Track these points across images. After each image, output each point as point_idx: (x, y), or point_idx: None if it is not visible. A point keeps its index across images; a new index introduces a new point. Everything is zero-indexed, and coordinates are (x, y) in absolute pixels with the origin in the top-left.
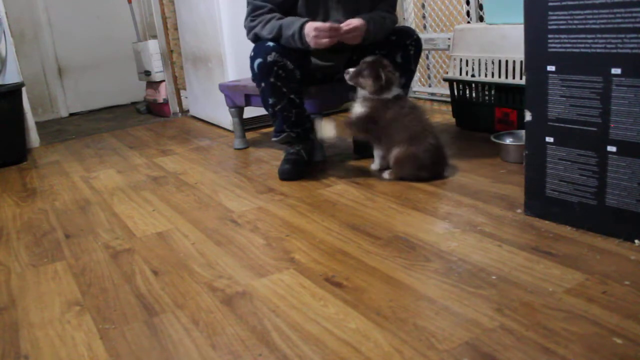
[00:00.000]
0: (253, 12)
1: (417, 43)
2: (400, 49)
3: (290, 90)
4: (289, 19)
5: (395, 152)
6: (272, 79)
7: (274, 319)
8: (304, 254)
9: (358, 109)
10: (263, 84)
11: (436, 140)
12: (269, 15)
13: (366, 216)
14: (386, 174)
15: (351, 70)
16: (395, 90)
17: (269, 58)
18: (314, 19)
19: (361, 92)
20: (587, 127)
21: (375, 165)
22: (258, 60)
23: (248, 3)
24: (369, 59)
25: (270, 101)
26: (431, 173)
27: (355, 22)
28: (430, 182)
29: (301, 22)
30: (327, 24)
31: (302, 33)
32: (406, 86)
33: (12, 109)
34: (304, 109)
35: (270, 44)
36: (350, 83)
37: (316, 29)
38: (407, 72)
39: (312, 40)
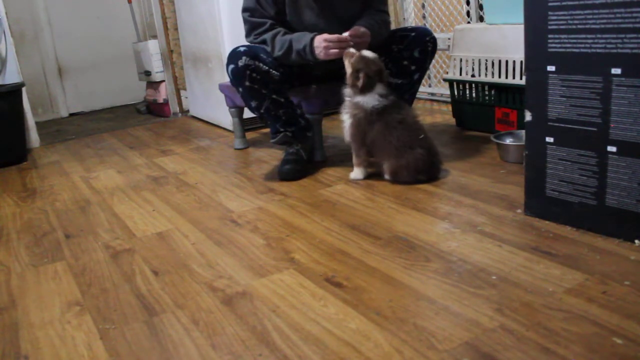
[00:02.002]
0: (254, 30)
1: (434, 42)
2: (419, 45)
3: (271, 91)
4: (298, 33)
5: (386, 165)
6: (247, 83)
7: (274, 319)
8: (304, 254)
9: (346, 119)
10: (240, 89)
11: (427, 149)
12: (273, 32)
13: (366, 216)
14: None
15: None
16: (381, 100)
17: (240, 63)
18: (304, 26)
19: (346, 92)
20: (587, 127)
21: None
22: (231, 67)
23: (245, 21)
24: (358, 53)
25: (253, 104)
26: (428, 176)
27: (361, 28)
28: (430, 182)
29: (311, 35)
30: (335, 35)
31: (313, 45)
32: (418, 82)
33: (12, 109)
34: (292, 107)
35: (241, 49)
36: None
37: (325, 39)
38: (421, 69)
39: (322, 52)
